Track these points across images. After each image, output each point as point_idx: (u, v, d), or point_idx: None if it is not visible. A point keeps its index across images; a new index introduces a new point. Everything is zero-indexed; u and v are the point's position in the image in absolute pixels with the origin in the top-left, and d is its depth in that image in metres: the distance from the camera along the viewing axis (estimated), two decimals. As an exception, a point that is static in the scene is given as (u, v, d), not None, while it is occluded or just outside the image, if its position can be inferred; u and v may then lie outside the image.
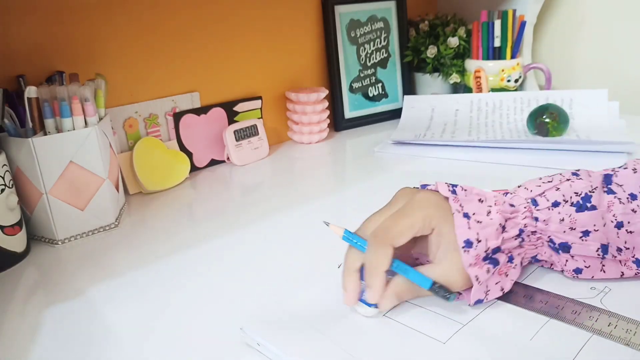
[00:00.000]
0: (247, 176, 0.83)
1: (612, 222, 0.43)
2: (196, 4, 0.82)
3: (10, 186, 0.57)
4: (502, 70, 0.99)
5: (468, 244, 0.41)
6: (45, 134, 0.60)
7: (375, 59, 1.05)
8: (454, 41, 1.02)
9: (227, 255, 0.56)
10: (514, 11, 0.98)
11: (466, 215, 0.42)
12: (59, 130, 0.60)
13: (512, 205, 0.44)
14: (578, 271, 0.44)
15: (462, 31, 1.03)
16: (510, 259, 0.44)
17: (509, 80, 0.99)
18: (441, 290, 0.41)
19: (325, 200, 0.71)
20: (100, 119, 0.65)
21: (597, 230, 0.43)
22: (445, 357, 0.37)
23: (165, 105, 0.81)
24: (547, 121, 0.84)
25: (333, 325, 0.41)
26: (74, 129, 0.60)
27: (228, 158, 0.87)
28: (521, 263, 0.45)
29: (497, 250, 0.42)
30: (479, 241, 0.41)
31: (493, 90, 1.00)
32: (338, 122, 1.02)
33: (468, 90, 1.04)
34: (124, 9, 0.75)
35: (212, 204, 0.72)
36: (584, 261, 0.44)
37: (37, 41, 0.68)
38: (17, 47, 0.67)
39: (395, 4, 1.05)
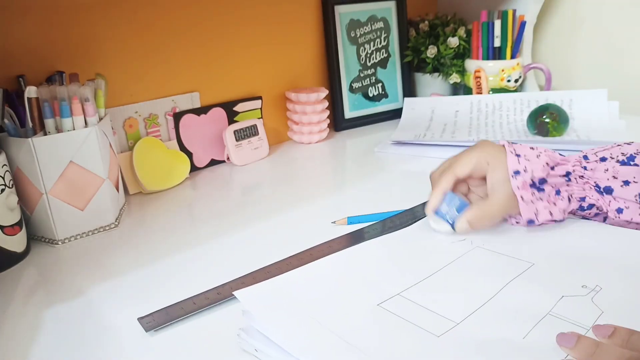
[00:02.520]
0: (247, 176, 0.83)
1: None
2: (196, 5, 0.82)
3: (10, 186, 0.57)
4: (502, 70, 0.99)
5: (516, 172, 0.51)
6: (45, 134, 0.60)
7: (375, 59, 1.05)
8: (454, 41, 1.02)
9: (227, 255, 0.57)
10: (514, 11, 0.98)
11: (517, 155, 0.52)
12: (59, 130, 0.61)
13: (562, 157, 0.53)
14: (620, 211, 0.51)
15: (462, 31, 1.03)
16: (558, 192, 0.52)
17: (509, 80, 0.99)
18: None
19: (325, 200, 0.71)
20: (100, 119, 0.65)
21: (637, 182, 0.50)
22: (438, 350, 0.37)
23: (165, 105, 0.81)
24: (547, 121, 0.84)
25: (333, 319, 0.41)
26: (74, 129, 0.61)
27: (228, 158, 0.87)
28: (569, 199, 0.52)
29: (544, 181, 0.52)
30: (525, 171, 0.51)
31: (493, 90, 1.00)
32: (338, 122, 1.02)
33: (468, 90, 1.04)
34: (124, 9, 0.75)
35: (212, 204, 0.72)
36: (624, 202, 0.51)
37: (37, 41, 0.68)
38: (17, 47, 0.67)
39: (395, 4, 1.05)
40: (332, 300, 0.43)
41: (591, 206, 0.53)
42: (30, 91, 0.59)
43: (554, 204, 0.52)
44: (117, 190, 0.68)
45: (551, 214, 0.51)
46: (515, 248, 0.50)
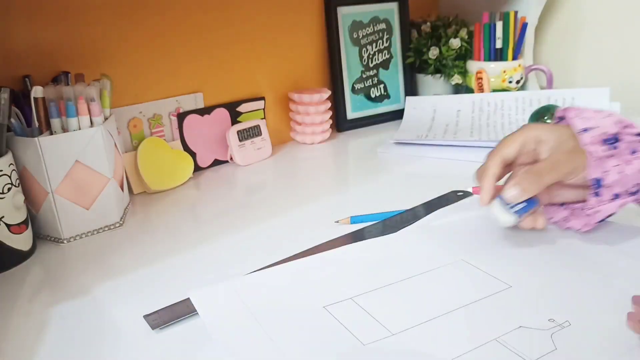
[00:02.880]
0: (250, 176, 0.83)
1: None
2: (200, 6, 0.83)
3: (17, 185, 0.58)
4: (504, 72, 0.99)
5: (585, 130, 0.46)
6: (51, 133, 0.61)
7: (378, 60, 1.06)
8: (455, 42, 1.03)
9: (231, 254, 0.57)
10: (516, 13, 0.99)
11: (583, 118, 0.47)
12: (64, 129, 0.61)
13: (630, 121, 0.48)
14: None
15: (463, 32, 1.04)
16: (634, 152, 0.45)
17: (510, 82, 0.99)
18: None
19: (328, 200, 0.71)
20: (106, 119, 0.65)
21: None
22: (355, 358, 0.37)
23: (169, 106, 0.82)
24: (548, 122, 0.85)
25: (276, 321, 0.42)
26: (79, 129, 0.61)
27: (231, 158, 0.88)
28: None
29: (616, 139, 0.46)
30: (597, 127, 0.46)
31: (495, 91, 1.00)
32: (340, 123, 1.02)
33: (470, 91, 1.04)
34: (128, 10, 0.75)
35: (216, 203, 0.73)
36: None
37: (43, 42, 0.68)
38: (23, 48, 0.67)
39: (398, 5, 1.06)
40: (284, 301, 0.43)
41: None
42: (37, 91, 0.60)
43: (628, 163, 0.45)
44: (122, 189, 0.68)
45: (621, 172, 0.45)
46: (500, 267, 0.47)
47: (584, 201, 0.49)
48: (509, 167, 0.51)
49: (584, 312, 0.40)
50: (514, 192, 0.46)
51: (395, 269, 0.47)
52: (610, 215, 0.48)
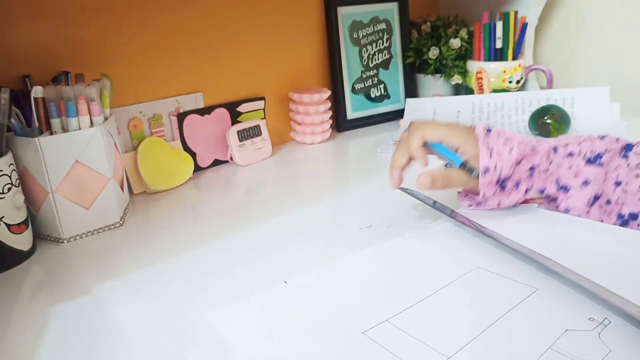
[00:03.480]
0: (250, 176, 0.83)
1: (612, 180, 0.52)
2: (200, 7, 0.83)
3: (17, 185, 0.58)
4: (504, 72, 0.99)
5: (486, 170, 0.53)
6: (51, 133, 0.61)
7: (378, 60, 1.06)
8: (455, 42, 1.03)
9: (231, 254, 0.57)
10: (516, 13, 0.99)
11: (490, 149, 0.54)
12: (65, 129, 0.61)
13: (534, 148, 0.55)
14: (567, 211, 0.54)
15: (464, 32, 1.04)
16: (517, 185, 0.55)
17: (510, 82, 0.99)
18: (468, 167, 0.55)
19: (328, 200, 0.71)
20: (106, 118, 0.65)
21: (595, 184, 0.53)
22: None
23: (170, 106, 0.82)
24: (548, 122, 0.85)
25: (312, 346, 0.40)
26: (79, 129, 0.61)
27: (231, 158, 0.88)
28: (526, 191, 0.55)
29: (507, 179, 0.55)
30: (495, 169, 0.53)
31: (495, 91, 1.00)
32: (340, 123, 1.03)
33: (470, 91, 1.04)
34: (129, 10, 0.75)
35: (216, 203, 0.73)
36: (575, 203, 0.54)
37: (43, 42, 0.68)
38: (23, 48, 0.67)
39: (398, 5, 1.06)
40: (313, 324, 0.41)
41: (542, 192, 0.56)
42: (37, 91, 0.60)
43: (508, 195, 0.55)
44: (122, 189, 0.68)
45: (499, 204, 0.56)
46: (518, 270, 0.47)
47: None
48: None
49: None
50: (426, 181, 0.56)
51: (414, 284, 0.46)
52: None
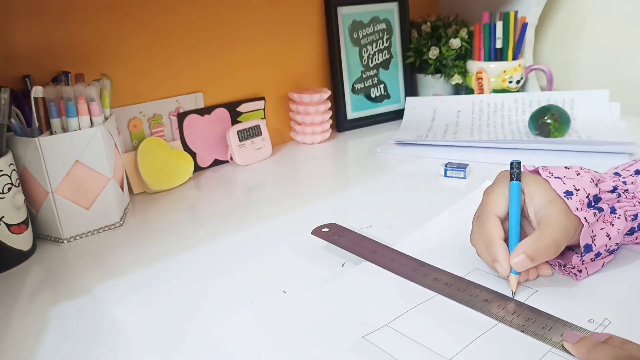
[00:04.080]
0: (250, 176, 0.83)
1: None
2: (200, 6, 0.83)
3: (17, 185, 0.58)
4: (504, 72, 0.99)
5: (568, 193, 0.44)
6: (51, 133, 0.61)
7: (378, 60, 1.06)
8: (455, 42, 1.03)
9: (231, 255, 0.57)
10: (516, 13, 0.99)
11: (557, 177, 0.46)
12: (65, 129, 0.61)
13: (595, 174, 0.48)
14: None
15: (464, 32, 1.04)
16: (613, 210, 0.46)
17: (510, 82, 0.99)
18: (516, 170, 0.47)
19: (328, 200, 0.71)
20: (106, 118, 0.65)
21: None
22: None
23: (170, 106, 0.82)
24: (548, 122, 0.85)
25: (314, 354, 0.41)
26: (79, 129, 0.61)
27: (231, 158, 0.88)
28: (625, 218, 0.46)
29: (598, 199, 0.46)
30: (577, 190, 0.45)
31: (495, 91, 1.00)
32: (340, 123, 1.02)
33: (470, 91, 1.04)
34: (128, 10, 0.75)
35: (216, 203, 0.73)
36: None
37: (43, 42, 0.68)
38: (23, 48, 0.67)
39: (398, 5, 1.06)
40: (313, 329, 0.41)
41: (636, 218, 0.47)
42: (37, 91, 0.60)
43: (611, 223, 0.45)
44: (122, 189, 0.68)
45: (608, 235, 0.45)
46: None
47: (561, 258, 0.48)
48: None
49: (618, 308, 0.41)
50: (523, 261, 0.43)
51: (414, 287, 0.45)
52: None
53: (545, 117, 0.85)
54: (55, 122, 0.61)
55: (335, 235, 0.55)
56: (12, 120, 0.59)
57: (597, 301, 0.42)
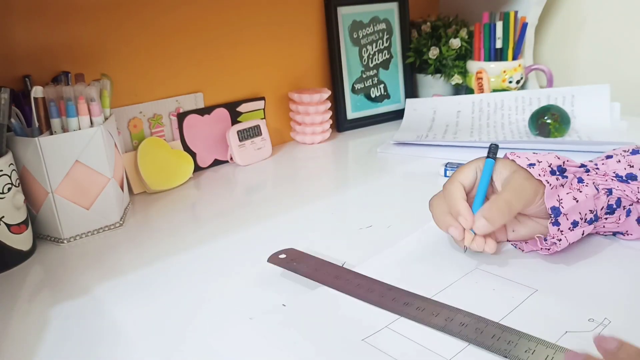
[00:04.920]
0: (250, 176, 0.83)
1: None
2: (200, 6, 0.83)
3: (17, 185, 0.58)
4: (504, 72, 0.99)
5: (531, 164, 0.47)
6: (51, 133, 0.61)
7: (378, 60, 1.06)
8: (455, 42, 1.03)
9: (231, 255, 0.57)
10: (516, 13, 0.99)
11: (524, 157, 0.48)
12: (65, 129, 0.61)
13: (562, 157, 0.49)
14: None
15: (464, 32, 1.04)
16: (580, 180, 0.48)
17: (510, 82, 0.99)
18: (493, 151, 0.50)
19: (328, 200, 0.71)
20: (106, 119, 0.65)
21: None
22: None
23: (169, 106, 0.82)
24: (548, 122, 0.85)
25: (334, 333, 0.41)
26: (79, 129, 0.61)
27: (231, 158, 0.88)
28: (596, 189, 0.48)
29: (563, 170, 0.48)
30: (540, 162, 0.47)
31: (495, 91, 1.00)
32: (340, 123, 1.03)
33: (470, 91, 1.04)
34: (128, 10, 0.75)
35: (216, 203, 0.73)
36: None
37: (43, 42, 0.68)
38: (23, 48, 0.67)
39: (398, 5, 1.06)
40: (312, 334, 0.40)
41: (619, 202, 0.48)
42: (37, 91, 0.60)
43: (579, 190, 0.47)
44: (122, 189, 0.68)
45: (575, 199, 0.46)
46: (518, 272, 0.47)
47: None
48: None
49: (617, 307, 0.41)
50: (482, 223, 0.45)
51: (413, 287, 0.45)
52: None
53: (545, 117, 0.85)
54: (55, 122, 0.61)
55: (294, 261, 0.51)
56: (12, 120, 0.59)
57: (597, 300, 0.42)
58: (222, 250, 0.58)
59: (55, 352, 0.42)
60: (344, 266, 0.50)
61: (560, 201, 0.46)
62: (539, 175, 0.46)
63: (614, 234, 0.52)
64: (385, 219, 0.62)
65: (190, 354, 0.41)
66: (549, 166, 0.47)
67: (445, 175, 0.75)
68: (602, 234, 0.52)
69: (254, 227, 0.63)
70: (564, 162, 0.49)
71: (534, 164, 0.47)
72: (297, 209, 0.68)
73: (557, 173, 0.47)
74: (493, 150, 0.51)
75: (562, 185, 0.47)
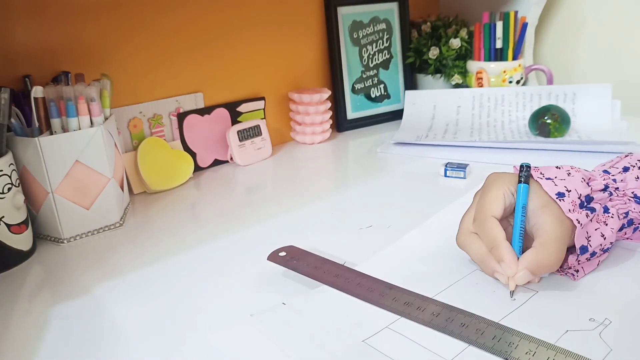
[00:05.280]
0: (250, 176, 0.83)
1: None
2: (200, 6, 0.83)
3: (17, 185, 0.58)
4: (504, 72, 0.99)
5: (560, 195, 0.44)
6: (51, 133, 0.61)
7: (378, 60, 1.06)
8: (455, 42, 1.03)
9: (231, 255, 0.57)
10: (516, 13, 0.99)
11: (548, 178, 0.46)
12: (65, 129, 0.61)
13: (586, 172, 0.48)
14: None
15: (464, 32, 1.04)
16: (606, 210, 0.46)
17: (510, 82, 0.99)
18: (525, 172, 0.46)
19: (328, 200, 0.71)
20: (106, 119, 0.65)
21: None
22: None
23: (170, 106, 0.82)
24: (548, 122, 0.85)
25: (337, 330, 0.41)
26: (79, 129, 0.61)
27: (231, 158, 0.88)
28: (618, 217, 0.46)
29: (590, 199, 0.46)
30: (569, 191, 0.44)
31: (495, 91, 1.00)
32: (340, 123, 1.03)
33: (470, 91, 1.04)
34: (128, 10, 0.75)
35: (216, 203, 0.73)
36: None
37: (43, 42, 0.68)
38: (23, 48, 0.67)
39: (398, 5, 1.06)
40: (315, 337, 0.40)
41: (631, 222, 0.47)
42: (37, 91, 0.60)
43: (605, 223, 0.45)
44: (122, 189, 0.68)
45: (603, 235, 0.44)
46: None
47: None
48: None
49: (617, 307, 0.41)
50: (525, 275, 0.43)
51: (414, 288, 0.45)
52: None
53: (545, 117, 0.85)
54: (55, 122, 0.61)
55: (294, 259, 0.50)
56: (12, 120, 0.59)
57: (597, 300, 0.42)
58: (222, 250, 0.58)
59: (55, 352, 0.42)
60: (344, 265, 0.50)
61: (589, 239, 0.44)
62: (569, 210, 0.44)
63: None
64: (385, 219, 0.62)
65: (190, 354, 0.41)
66: (579, 197, 0.45)
67: (446, 175, 0.74)
68: None
69: (254, 227, 0.63)
70: (591, 189, 0.46)
71: (564, 195, 0.44)
72: (297, 209, 0.68)
73: (585, 204, 0.45)
74: (525, 173, 0.47)
75: (591, 220, 0.45)
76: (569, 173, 0.47)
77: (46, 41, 0.69)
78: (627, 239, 0.50)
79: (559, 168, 0.47)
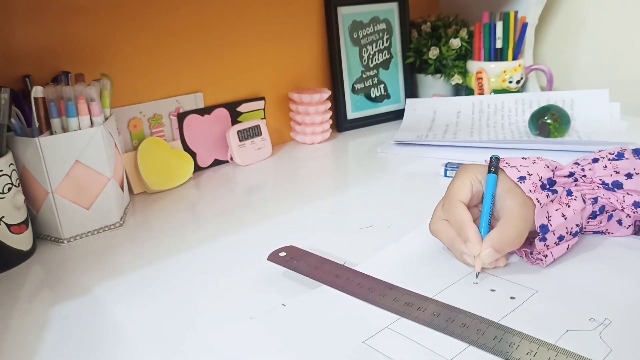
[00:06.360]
0: (250, 176, 0.83)
1: None
2: (200, 6, 0.83)
3: (17, 185, 0.58)
4: (504, 72, 0.99)
5: (521, 178, 0.47)
6: (51, 133, 0.61)
7: (378, 60, 1.06)
8: (455, 42, 1.03)
9: (231, 255, 0.57)
10: (516, 13, 0.99)
11: (513, 166, 0.48)
12: (65, 129, 0.61)
13: (553, 162, 0.50)
14: (637, 205, 0.48)
15: (464, 32, 1.04)
16: (569, 193, 0.48)
17: (510, 82, 0.99)
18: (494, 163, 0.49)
19: (328, 200, 0.71)
20: (106, 119, 0.65)
21: (638, 173, 0.49)
22: None
23: (170, 106, 0.82)
24: (548, 122, 0.85)
25: (339, 328, 0.41)
26: (79, 129, 0.61)
27: (231, 158, 0.88)
28: (583, 200, 0.48)
29: (553, 182, 0.48)
30: (530, 175, 0.47)
31: (495, 91, 1.00)
32: (340, 123, 1.03)
33: (470, 91, 1.04)
34: (128, 10, 0.75)
35: (216, 203, 0.73)
36: (638, 194, 0.48)
37: (43, 42, 0.69)
38: (23, 48, 0.67)
39: (398, 5, 1.06)
40: (315, 338, 0.40)
41: (602, 209, 0.49)
42: (37, 91, 0.60)
43: (567, 205, 0.47)
44: (122, 189, 0.68)
45: (564, 216, 0.46)
46: (518, 272, 0.47)
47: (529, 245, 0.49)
48: None
49: (618, 307, 0.41)
50: (490, 254, 0.45)
51: (415, 288, 0.45)
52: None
53: (545, 117, 0.85)
54: (55, 122, 0.61)
55: (294, 259, 0.50)
56: (12, 120, 0.59)
57: (598, 300, 0.42)
58: (222, 250, 0.58)
59: (55, 352, 0.42)
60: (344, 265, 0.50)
61: (549, 219, 0.46)
62: (530, 191, 0.46)
63: (594, 232, 0.52)
64: (385, 219, 0.62)
65: (190, 354, 0.41)
66: (540, 180, 0.47)
67: (446, 175, 0.74)
68: (584, 233, 0.52)
69: (254, 227, 0.63)
70: (553, 173, 0.49)
71: (525, 178, 0.47)
72: (297, 209, 0.68)
73: (547, 187, 0.47)
74: (495, 164, 0.49)
75: (552, 201, 0.47)
76: (534, 162, 0.49)
77: (46, 41, 0.69)
78: (608, 232, 0.51)
79: (525, 159, 0.50)
